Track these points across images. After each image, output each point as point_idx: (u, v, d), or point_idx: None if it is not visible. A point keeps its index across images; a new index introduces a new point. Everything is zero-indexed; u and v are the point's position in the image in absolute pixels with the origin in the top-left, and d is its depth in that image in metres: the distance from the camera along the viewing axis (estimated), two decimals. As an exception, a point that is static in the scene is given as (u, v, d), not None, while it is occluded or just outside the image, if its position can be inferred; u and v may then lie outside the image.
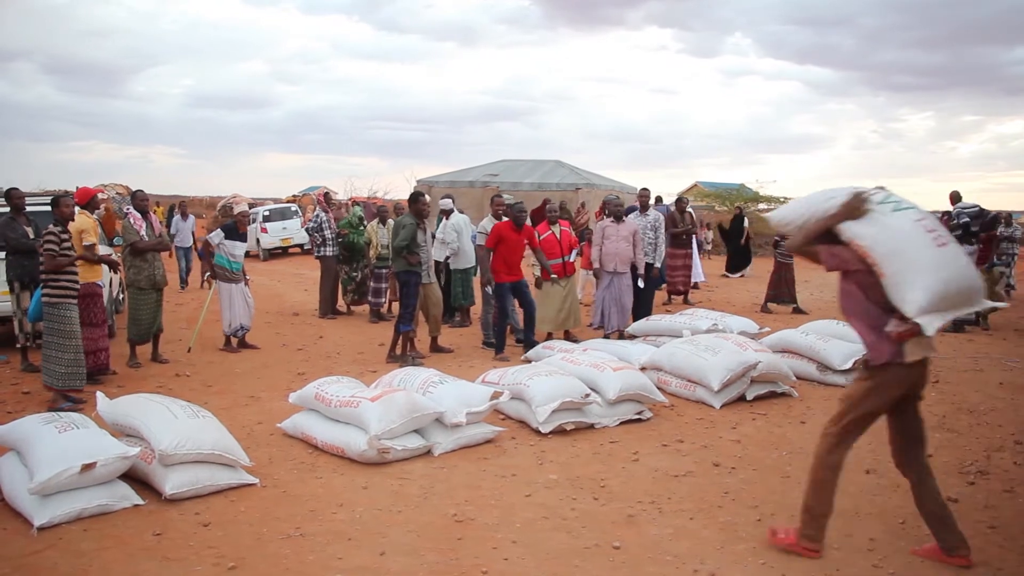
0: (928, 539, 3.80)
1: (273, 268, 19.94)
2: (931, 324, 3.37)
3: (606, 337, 9.00)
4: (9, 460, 4.52)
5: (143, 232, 7.80)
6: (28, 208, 7.91)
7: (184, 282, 15.00)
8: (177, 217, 15.33)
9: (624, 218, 9.35)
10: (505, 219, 8.68)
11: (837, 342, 7.35)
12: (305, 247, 21.60)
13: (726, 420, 6.14)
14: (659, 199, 15.03)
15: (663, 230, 10.47)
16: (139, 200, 8.07)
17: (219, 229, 8.97)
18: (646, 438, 5.69)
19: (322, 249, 11.25)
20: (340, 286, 11.70)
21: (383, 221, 10.99)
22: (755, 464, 5.14)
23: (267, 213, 23.17)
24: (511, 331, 9.08)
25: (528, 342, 8.27)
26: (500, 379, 6.16)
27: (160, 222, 8.94)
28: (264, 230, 22.41)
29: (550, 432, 5.65)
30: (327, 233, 11.18)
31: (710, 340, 6.91)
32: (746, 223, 17.77)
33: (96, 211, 8.22)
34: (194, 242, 15.22)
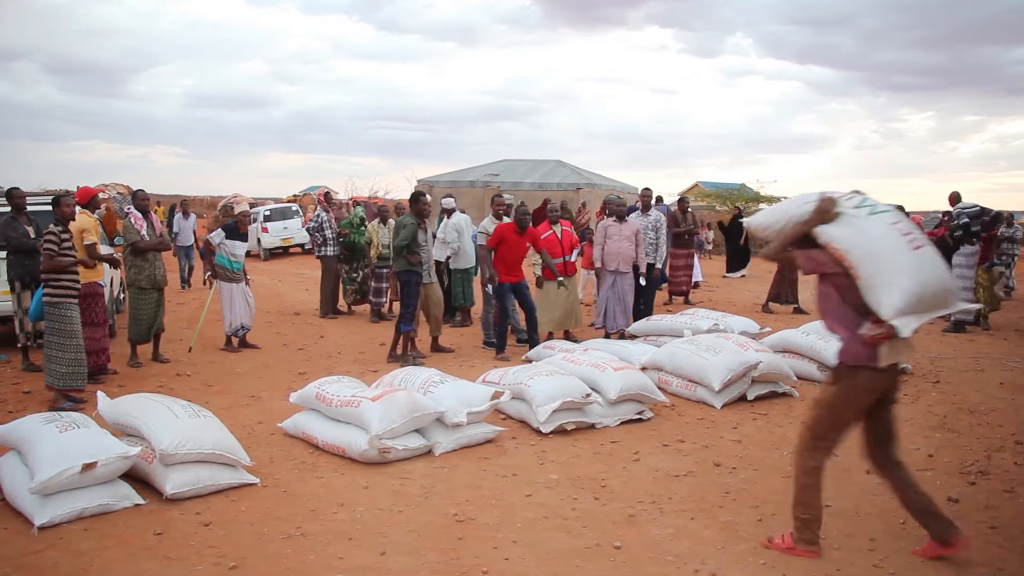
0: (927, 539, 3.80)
1: (274, 268, 19.94)
2: (906, 326, 3.40)
3: (607, 337, 9.01)
4: (10, 460, 4.52)
5: (144, 232, 7.80)
6: (29, 208, 7.91)
7: (185, 282, 15.00)
8: (179, 216, 15.33)
9: (626, 218, 9.35)
10: (507, 220, 8.69)
11: (837, 342, 7.33)
12: (306, 247, 21.60)
13: (727, 420, 6.14)
14: (659, 199, 15.03)
15: (664, 230, 10.47)
16: (140, 200, 8.07)
17: (220, 229, 8.97)
18: (647, 438, 5.69)
19: (323, 249, 11.26)
20: (341, 286, 11.71)
21: (384, 221, 11.01)
22: (756, 464, 5.14)
23: (268, 213, 23.18)
24: (512, 331, 9.08)
25: (531, 342, 8.27)
26: (501, 379, 6.16)
27: (161, 222, 8.93)
28: (265, 230, 22.42)
29: (551, 432, 5.65)
30: (328, 233, 11.19)
31: (711, 340, 6.91)
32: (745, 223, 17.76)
33: (97, 211, 8.22)
34: (195, 240, 15.22)
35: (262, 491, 4.62)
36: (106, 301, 7.67)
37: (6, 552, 3.81)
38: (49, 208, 7.08)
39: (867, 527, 4.13)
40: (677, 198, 17.54)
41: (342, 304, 11.81)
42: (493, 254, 8.36)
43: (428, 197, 8.48)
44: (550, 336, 9.00)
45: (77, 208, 6.92)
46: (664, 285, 11.92)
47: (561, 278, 8.59)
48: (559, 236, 9.08)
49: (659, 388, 6.42)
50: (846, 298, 3.58)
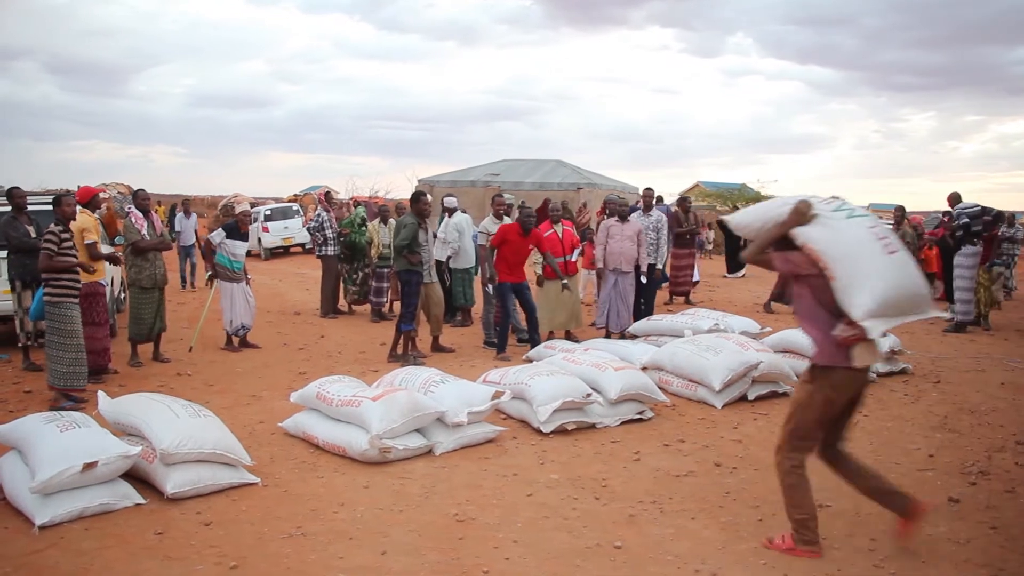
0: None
1: (275, 267, 19.95)
2: (875, 328, 3.46)
3: (607, 336, 9.01)
4: (10, 459, 4.52)
5: (144, 231, 7.80)
6: (30, 207, 7.91)
7: (186, 282, 15.00)
8: (180, 215, 15.33)
9: (628, 218, 9.35)
10: (507, 220, 8.68)
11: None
12: (307, 246, 21.61)
13: (727, 420, 6.14)
14: (660, 199, 15.03)
15: (666, 230, 10.47)
16: (141, 199, 8.07)
17: (220, 228, 8.98)
18: (647, 438, 5.69)
19: (323, 248, 11.26)
20: (342, 285, 11.71)
21: (384, 220, 11.01)
22: (756, 464, 5.13)
23: (269, 212, 23.19)
24: (512, 331, 9.08)
25: (532, 342, 8.27)
26: (501, 379, 6.16)
27: (162, 221, 8.94)
28: (266, 229, 22.43)
29: (551, 432, 5.65)
30: (328, 232, 11.19)
31: (711, 340, 6.91)
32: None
33: (98, 210, 8.22)
34: (197, 240, 15.23)
35: (263, 491, 4.62)
36: (107, 301, 7.67)
37: (7, 551, 3.81)
38: (50, 208, 7.08)
39: (868, 527, 4.13)
40: (677, 198, 17.54)
41: (342, 304, 11.81)
42: (495, 254, 8.36)
43: (429, 197, 8.48)
44: (551, 336, 9.00)
45: (78, 208, 6.93)
46: (664, 285, 11.92)
47: (565, 280, 8.59)
48: (560, 236, 9.08)
49: (660, 388, 6.41)
50: (820, 299, 3.63)
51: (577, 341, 8.45)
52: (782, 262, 3.75)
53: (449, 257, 10.04)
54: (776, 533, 3.94)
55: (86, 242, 7.07)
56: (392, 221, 10.76)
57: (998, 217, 10.80)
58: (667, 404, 6.34)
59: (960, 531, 4.08)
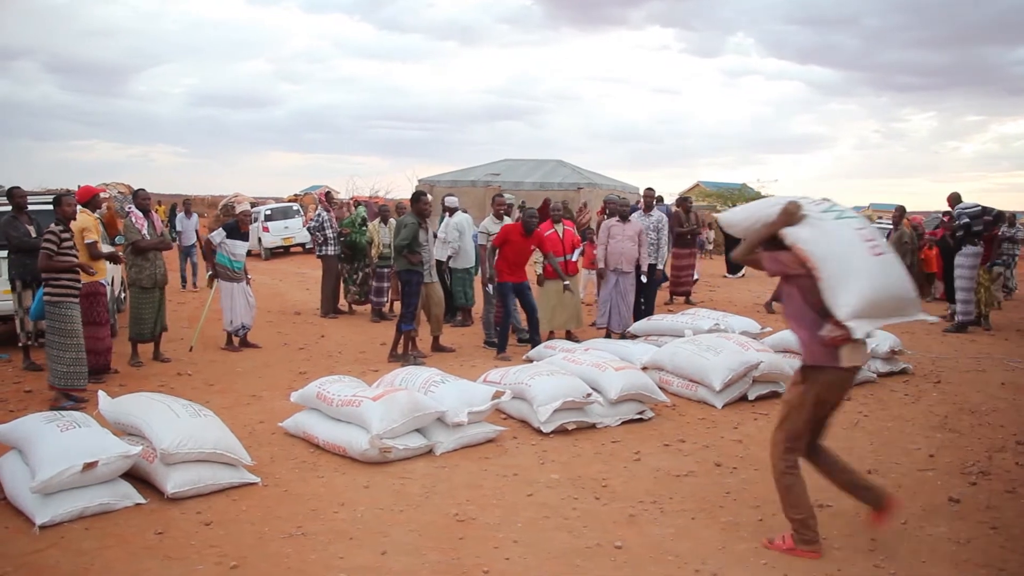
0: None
1: (275, 267, 19.95)
2: (860, 328, 3.48)
3: (608, 336, 9.01)
4: (11, 459, 4.52)
5: (145, 231, 7.80)
6: (30, 207, 7.91)
7: (185, 281, 14.99)
8: (181, 215, 15.31)
9: (629, 218, 9.35)
10: (508, 220, 8.67)
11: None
12: (307, 246, 21.62)
13: (728, 420, 6.14)
14: (659, 199, 15.02)
15: (666, 231, 10.46)
16: (141, 199, 8.07)
17: (220, 228, 8.98)
18: (648, 438, 5.69)
19: (324, 248, 11.26)
20: (342, 285, 11.71)
21: (385, 220, 11.02)
22: (757, 464, 5.13)
23: (269, 212, 23.20)
24: (512, 330, 9.08)
25: (533, 342, 8.28)
26: (502, 379, 6.16)
27: (162, 221, 8.93)
28: (266, 229, 22.44)
29: (552, 432, 5.65)
30: (329, 232, 11.20)
31: (712, 340, 6.91)
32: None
33: (98, 210, 8.22)
34: (198, 239, 15.23)
35: (263, 490, 4.62)
36: (108, 300, 7.67)
37: (8, 551, 3.81)
38: (50, 207, 7.08)
39: (868, 527, 4.12)
40: (677, 198, 17.52)
41: (343, 303, 11.81)
42: (497, 253, 8.37)
43: (429, 197, 8.48)
44: (551, 336, 9.00)
45: (78, 207, 6.92)
46: (664, 284, 11.93)
47: (567, 282, 8.60)
48: (560, 235, 9.08)
49: (660, 388, 6.41)
50: (808, 299, 3.66)
51: (577, 341, 8.45)
52: (771, 262, 3.78)
53: (450, 257, 10.04)
54: (776, 533, 3.94)
55: (86, 241, 7.07)
56: (392, 221, 10.77)
57: (999, 217, 10.80)
58: (667, 404, 6.34)
59: (961, 531, 4.08)
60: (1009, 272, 13.58)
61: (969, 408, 6.53)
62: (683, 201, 13.14)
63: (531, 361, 7.39)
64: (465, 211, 10.56)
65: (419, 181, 25.19)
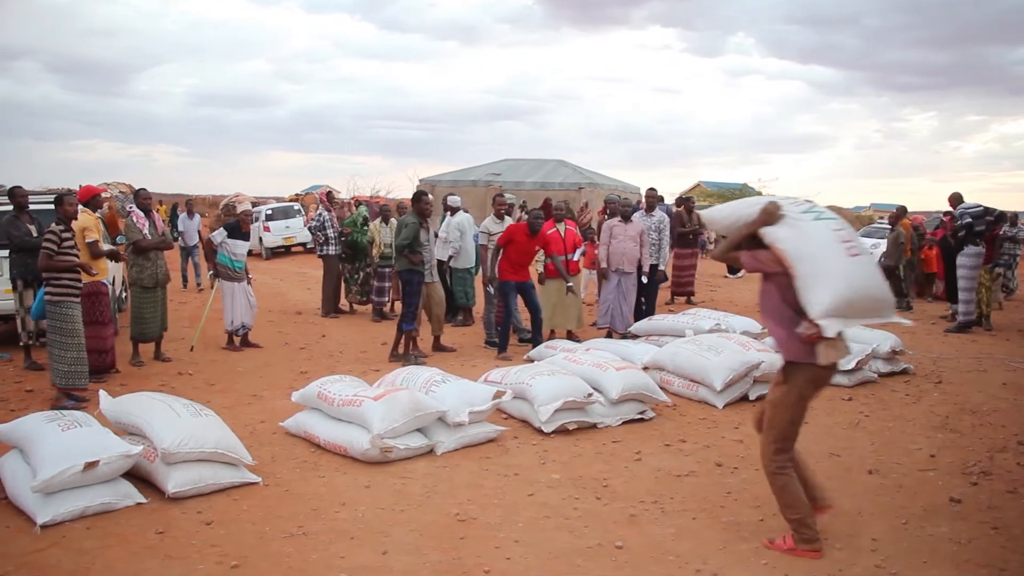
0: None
1: (276, 267, 19.95)
2: (831, 327, 3.53)
3: (609, 336, 9.01)
4: (12, 458, 4.53)
5: (146, 231, 7.81)
6: (31, 207, 7.92)
7: (186, 281, 14.99)
8: (183, 215, 15.28)
9: (631, 218, 9.35)
10: (509, 220, 8.67)
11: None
12: (308, 246, 21.62)
13: (729, 420, 6.13)
14: (660, 199, 15.00)
15: (667, 231, 10.46)
16: (143, 198, 8.07)
17: (221, 228, 8.98)
18: (649, 438, 5.69)
19: (325, 248, 11.27)
20: (344, 285, 11.72)
21: (386, 220, 11.02)
22: (757, 464, 5.09)
23: (270, 212, 23.19)
24: (513, 330, 9.08)
25: (535, 342, 8.27)
26: (502, 378, 6.16)
27: (163, 220, 8.94)
28: (267, 229, 22.44)
29: (553, 431, 5.65)
30: (330, 232, 11.20)
31: (713, 340, 6.91)
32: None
33: (99, 210, 8.22)
34: (200, 240, 15.23)
35: (264, 490, 4.62)
36: (110, 300, 7.67)
37: (9, 550, 3.81)
38: (51, 207, 7.09)
39: (869, 527, 4.13)
40: (676, 198, 17.51)
41: (344, 303, 11.81)
42: (501, 253, 8.36)
43: (430, 197, 8.47)
44: (552, 335, 9.00)
45: (79, 207, 6.93)
46: (664, 284, 11.92)
47: (571, 283, 8.60)
48: (562, 235, 9.08)
49: (661, 388, 6.41)
50: (785, 297, 3.72)
51: (578, 341, 8.45)
52: (750, 259, 3.85)
53: (450, 257, 10.04)
54: (777, 533, 3.94)
55: (87, 240, 7.07)
56: (393, 221, 10.77)
57: (1000, 217, 10.79)
58: (668, 404, 6.34)
59: (962, 531, 4.07)
60: (1010, 272, 13.57)
61: (970, 408, 6.53)
62: (685, 201, 13.13)
63: (532, 361, 7.39)
64: (466, 211, 10.56)
65: (420, 181, 25.19)
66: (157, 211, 8.64)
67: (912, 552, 3.83)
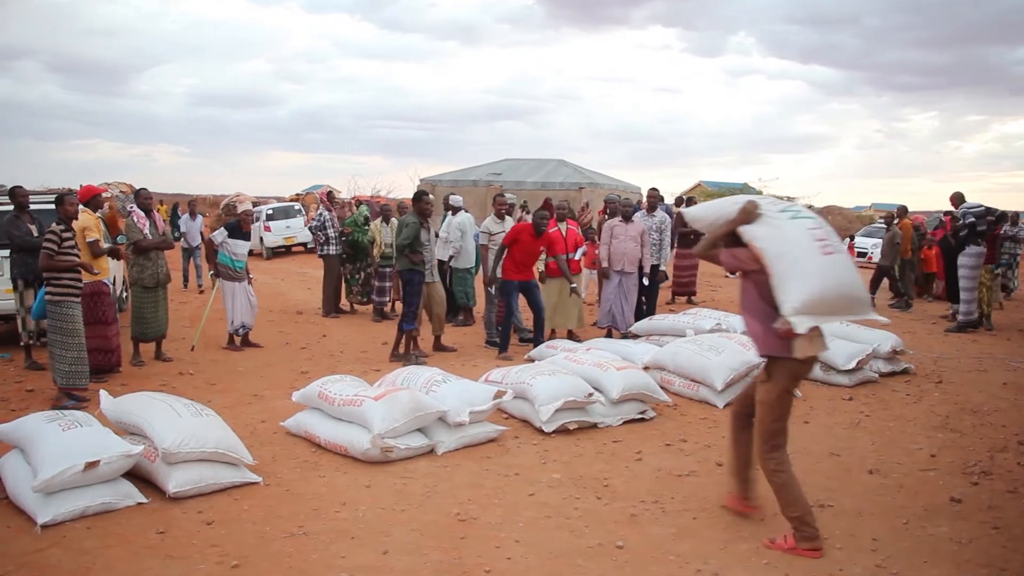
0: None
1: (277, 267, 19.95)
2: (802, 324, 3.59)
3: (608, 335, 9.01)
4: (12, 458, 4.53)
5: (147, 230, 7.81)
6: (32, 206, 7.92)
7: (187, 280, 14.99)
8: (186, 216, 15.24)
9: (632, 218, 9.35)
10: (509, 220, 8.66)
11: (841, 342, 7.34)
12: (308, 246, 21.63)
13: (729, 420, 6.12)
14: (660, 199, 14.99)
15: (669, 232, 10.45)
16: (143, 198, 8.07)
17: (222, 228, 8.99)
18: (649, 437, 5.69)
19: (325, 248, 11.27)
20: (345, 285, 11.72)
21: (387, 220, 11.01)
22: (757, 464, 5.12)
23: (271, 212, 23.19)
24: (514, 330, 9.08)
25: (537, 342, 8.27)
26: (503, 378, 6.16)
27: (164, 220, 8.93)
28: (268, 229, 22.44)
29: (553, 431, 5.65)
30: (330, 232, 11.20)
31: (713, 340, 6.90)
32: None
33: (100, 210, 8.23)
34: (202, 241, 15.22)
35: (264, 490, 4.62)
36: (112, 299, 7.67)
37: (9, 550, 3.81)
38: (52, 207, 7.09)
39: (869, 527, 4.13)
40: (676, 198, 17.52)
41: (344, 303, 11.81)
42: (505, 252, 8.37)
43: (431, 196, 8.48)
44: (552, 335, 9.01)
45: (80, 207, 6.93)
46: (665, 283, 11.92)
47: (575, 284, 8.60)
48: (564, 234, 9.09)
49: (661, 388, 6.41)
50: (763, 294, 3.78)
51: (579, 341, 8.45)
52: (728, 257, 3.95)
53: (451, 256, 10.04)
54: (778, 533, 3.94)
55: (88, 240, 7.07)
56: (394, 220, 10.77)
57: (1001, 217, 10.79)
58: (669, 404, 6.34)
59: (962, 531, 4.07)
60: (1011, 272, 13.57)
61: (971, 408, 6.52)
62: (688, 201, 13.13)
63: (533, 361, 7.39)
64: (466, 211, 10.56)
65: (421, 181, 25.19)
66: (157, 211, 8.63)
67: (913, 552, 3.83)
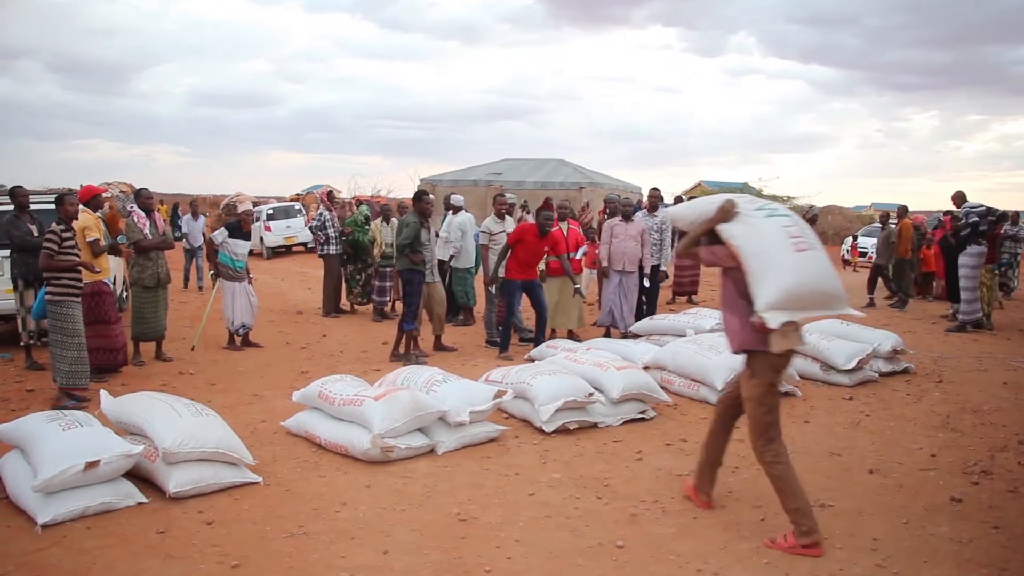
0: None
1: (277, 266, 19.96)
2: (774, 319, 3.65)
3: (606, 335, 9.01)
4: (13, 458, 4.53)
5: (147, 230, 7.81)
6: (32, 206, 7.92)
7: (188, 280, 14.99)
8: (188, 216, 15.23)
9: (632, 218, 9.35)
10: (510, 220, 8.66)
11: (841, 342, 7.34)
12: (309, 246, 21.64)
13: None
14: (660, 199, 14.97)
15: (670, 232, 10.45)
16: (144, 198, 8.08)
17: (223, 227, 8.99)
18: (650, 437, 5.69)
19: (325, 248, 11.27)
20: (345, 285, 11.71)
21: (387, 220, 11.01)
22: (758, 463, 5.12)
23: (271, 211, 23.21)
24: (514, 330, 9.08)
25: (538, 342, 8.27)
26: (503, 378, 6.16)
27: (164, 220, 8.93)
28: (268, 228, 22.46)
29: (553, 431, 5.65)
30: (330, 232, 11.20)
31: (714, 339, 6.89)
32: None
33: (100, 210, 8.23)
34: (204, 241, 15.21)
35: (265, 490, 4.62)
36: (114, 299, 7.67)
37: (10, 550, 3.81)
38: (52, 207, 7.09)
39: (870, 527, 4.13)
40: (674, 198, 17.50)
41: (345, 303, 11.81)
42: (509, 252, 8.37)
43: (431, 196, 8.48)
44: (553, 335, 9.01)
45: (80, 207, 6.93)
46: (666, 283, 11.91)
47: (579, 284, 8.60)
48: (565, 233, 9.09)
49: (662, 387, 6.41)
50: (740, 290, 3.87)
51: (579, 340, 8.45)
52: (707, 255, 4.04)
53: (451, 256, 10.04)
54: (778, 533, 3.94)
55: (88, 240, 7.07)
56: (394, 220, 10.77)
57: (1002, 217, 10.80)
58: (669, 403, 6.34)
59: (962, 531, 4.07)
60: (1012, 272, 13.57)
61: (971, 407, 6.52)
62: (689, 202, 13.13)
63: (533, 360, 7.39)
64: (467, 210, 10.56)
65: (421, 180, 25.20)
66: (158, 211, 8.63)
67: (913, 551, 3.83)
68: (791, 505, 3.84)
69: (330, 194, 15.38)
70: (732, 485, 4.74)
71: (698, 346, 6.77)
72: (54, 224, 6.40)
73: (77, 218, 6.73)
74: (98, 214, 7.90)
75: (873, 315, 11.44)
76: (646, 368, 6.80)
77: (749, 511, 4.34)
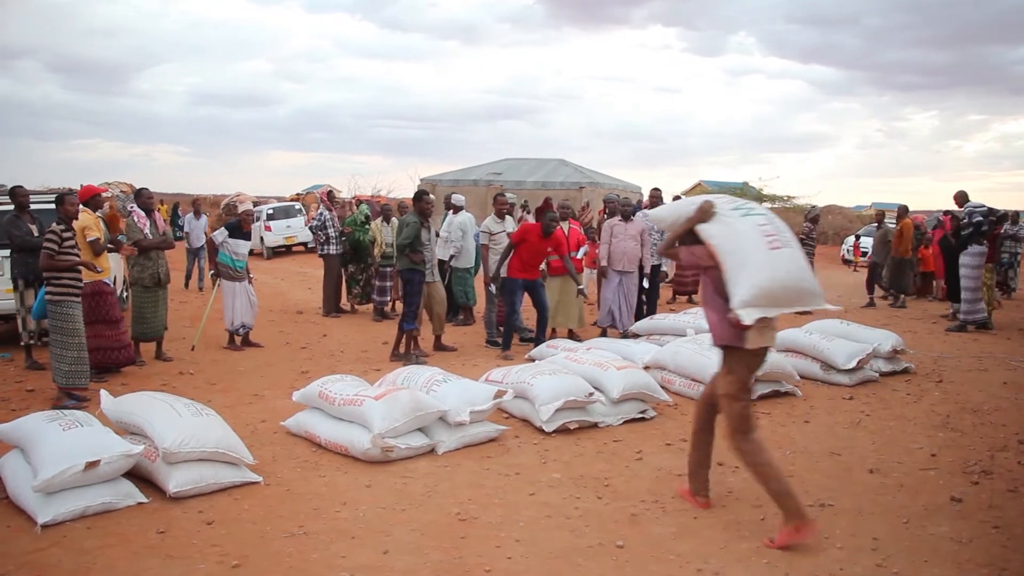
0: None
1: (277, 266, 19.96)
2: (748, 316, 3.73)
3: (605, 334, 9.01)
4: (13, 458, 4.53)
5: (147, 230, 7.81)
6: (32, 206, 7.92)
7: (188, 280, 14.98)
8: (190, 216, 15.22)
9: (632, 217, 9.35)
10: (510, 219, 8.66)
11: (841, 341, 7.35)
12: (309, 245, 21.65)
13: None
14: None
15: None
16: (144, 198, 8.08)
17: (223, 227, 8.99)
18: (650, 437, 5.69)
19: (325, 247, 11.27)
20: (346, 286, 11.71)
21: (387, 219, 11.01)
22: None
23: (271, 211, 23.22)
24: (514, 329, 9.07)
25: (539, 342, 8.27)
26: (504, 378, 6.16)
27: (164, 220, 8.93)
28: (268, 228, 22.47)
29: (554, 431, 5.65)
30: (331, 231, 11.20)
31: (714, 339, 6.89)
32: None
33: (100, 209, 8.23)
34: (207, 241, 15.20)
35: (265, 490, 4.62)
36: (115, 298, 7.67)
37: (10, 550, 3.81)
38: (52, 207, 7.09)
39: (870, 526, 4.12)
40: (672, 197, 17.47)
41: (345, 303, 11.81)
42: (512, 251, 8.37)
43: (431, 196, 8.48)
44: (553, 334, 9.01)
45: (80, 206, 6.93)
46: (666, 282, 11.92)
47: (582, 285, 8.60)
48: (566, 233, 9.09)
49: (662, 387, 6.41)
50: (718, 288, 3.96)
51: (579, 340, 8.45)
52: (686, 254, 4.14)
53: (452, 256, 10.04)
54: (778, 532, 3.93)
55: (88, 239, 7.07)
56: (395, 220, 10.77)
57: (1003, 217, 10.81)
58: (669, 403, 6.34)
59: (963, 530, 4.07)
60: (1012, 271, 13.57)
61: (971, 407, 6.52)
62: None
63: (533, 360, 7.39)
64: (467, 210, 10.56)
65: (421, 180, 25.20)
66: (158, 211, 8.63)
67: (913, 551, 3.83)
68: (775, 488, 3.91)
69: (330, 194, 15.38)
70: (732, 485, 4.74)
71: (698, 346, 6.77)
72: (54, 224, 6.41)
73: (77, 218, 6.73)
74: (98, 214, 7.90)
75: (873, 315, 11.44)
76: (646, 368, 6.80)
77: (749, 511, 4.34)
